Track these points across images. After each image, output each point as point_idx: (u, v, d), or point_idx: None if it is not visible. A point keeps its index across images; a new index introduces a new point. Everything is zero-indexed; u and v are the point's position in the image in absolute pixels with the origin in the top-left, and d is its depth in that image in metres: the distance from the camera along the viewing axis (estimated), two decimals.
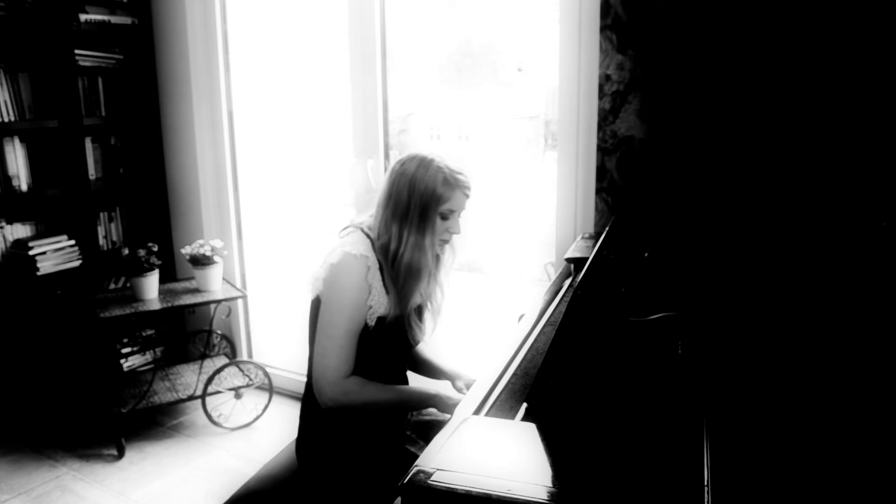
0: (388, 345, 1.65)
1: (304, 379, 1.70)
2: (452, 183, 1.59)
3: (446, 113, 3.67)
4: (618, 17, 2.01)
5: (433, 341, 1.89)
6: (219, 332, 3.18)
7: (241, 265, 3.31)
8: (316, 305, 1.62)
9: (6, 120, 2.77)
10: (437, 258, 1.70)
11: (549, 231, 2.42)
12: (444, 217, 1.61)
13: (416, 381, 1.85)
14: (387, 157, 2.84)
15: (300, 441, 1.69)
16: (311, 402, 1.67)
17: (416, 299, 1.66)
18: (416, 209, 1.58)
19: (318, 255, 1.65)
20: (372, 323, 1.59)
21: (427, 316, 1.74)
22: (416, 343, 1.74)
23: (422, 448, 1.60)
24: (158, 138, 3.24)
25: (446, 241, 1.67)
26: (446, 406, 1.60)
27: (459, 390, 1.78)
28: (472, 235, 1.78)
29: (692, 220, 1.98)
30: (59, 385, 3.00)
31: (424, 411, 1.77)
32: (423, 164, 1.59)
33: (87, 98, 2.97)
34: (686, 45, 1.92)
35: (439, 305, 1.76)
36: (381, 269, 1.60)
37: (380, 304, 1.59)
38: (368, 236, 1.62)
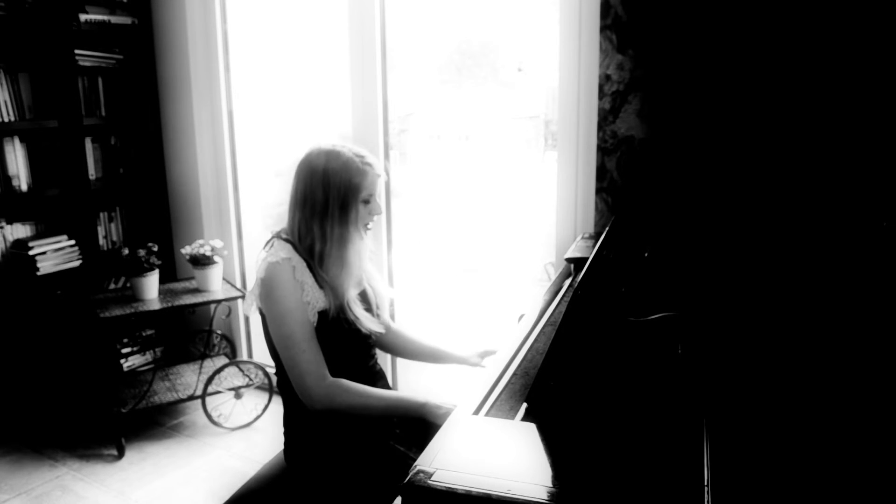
0: (342, 339, 1.64)
1: None
2: (365, 170, 1.61)
3: (446, 113, 3.67)
4: (618, 17, 2.01)
5: (418, 330, 1.92)
6: (219, 332, 3.18)
7: (241, 265, 3.32)
8: (265, 322, 1.63)
9: (6, 120, 2.77)
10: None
11: (549, 231, 2.42)
12: (367, 202, 1.63)
13: (408, 381, 1.85)
14: (387, 157, 2.84)
15: (287, 447, 1.69)
16: (290, 408, 1.67)
17: (353, 289, 1.66)
18: (335, 203, 1.59)
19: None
20: (314, 319, 1.58)
21: (372, 300, 1.75)
22: (374, 331, 1.70)
23: (409, 446, 1.61)
24: (158, 138, 3.24)
25: (369, 225, 1.68)
26: (436, 416, 1.57)
27: (477, 364, 1.82)
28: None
29: (692, 220, 1.99)
30: (59, 385, 3.00)
31: None
32: (331, 156, 1.60)
33: (87, 98, 2.97)
34: (686, 44, 1.92)
35: (379, 287, 1.79)
36: (308, 266, 1.60)
37: (316, 298, 1.58)
38: (288, 241, 1.63)
